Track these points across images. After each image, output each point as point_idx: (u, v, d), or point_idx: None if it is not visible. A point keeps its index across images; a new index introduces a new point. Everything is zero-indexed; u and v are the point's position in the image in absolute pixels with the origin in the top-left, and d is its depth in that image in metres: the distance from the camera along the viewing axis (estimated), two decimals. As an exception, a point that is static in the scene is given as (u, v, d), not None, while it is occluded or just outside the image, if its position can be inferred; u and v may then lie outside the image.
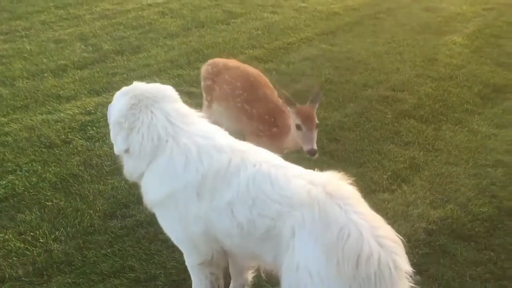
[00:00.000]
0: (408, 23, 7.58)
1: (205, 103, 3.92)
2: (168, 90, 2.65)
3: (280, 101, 3.53)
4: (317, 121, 3.21)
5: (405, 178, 4.02)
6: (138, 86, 2.64)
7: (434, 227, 3.47)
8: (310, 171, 2.36)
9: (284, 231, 2.14)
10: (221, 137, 2.52)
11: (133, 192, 3.79)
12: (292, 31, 7.21)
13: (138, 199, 3.70)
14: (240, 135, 3.65)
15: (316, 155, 3.17)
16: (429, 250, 3.28)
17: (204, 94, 3.93)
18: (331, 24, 7.59)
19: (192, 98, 5.32)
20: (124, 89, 2.66)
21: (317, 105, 3.30)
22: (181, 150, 2.41)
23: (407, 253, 3.17)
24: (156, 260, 3.18)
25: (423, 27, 7.45)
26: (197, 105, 5.14)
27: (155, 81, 5.51)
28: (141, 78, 5.69)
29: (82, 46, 6.55)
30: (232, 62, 3.93)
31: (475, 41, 6.90)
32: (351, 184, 2.26)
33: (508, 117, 4.97)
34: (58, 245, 3.26)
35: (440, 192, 3.85)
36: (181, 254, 3.19)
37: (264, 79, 3.75)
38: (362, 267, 1.99)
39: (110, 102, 5.00)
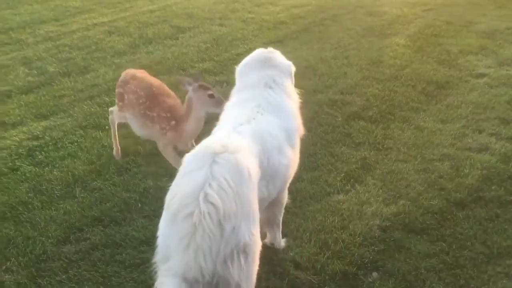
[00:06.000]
0: (353, 28, 7.79)
1: (117, 106, 4.36)
2: None
3: (176, 103, 4.03)
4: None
5: (358, 178, 4.11)
6: None
7: (388, 224, 3.56)
8: None
9: None
10: None
11: (86, 214, 3.72)
12: (240, 42, 7.28)
13: (92, 222, 3.66)
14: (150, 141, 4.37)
15: None
16: (384, 246, 3.36)
17: (116, 99, 4.37)
18: (278, 33, 7.70)
19: (144, 115, 5.28)
20: None
21: None
22: None
23: (364, 251, 3.28)
24: (114, 282, 3.11)
25: (368, 31, 7.68)
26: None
27: (104, 101, 5.52)
28: (90, 98, 5.62)
29: (26, 70, 6.39)
30: (140, 73, 4.31)
31: (417, 42, 7.15)
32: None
33: (451, 112, 5.17)
34: (9, 276, 3.15)
35: (391, 189, 3.96)
36: (139, 273, 3.17)
37: (167, 90, 4.16)
38: None
39: (58, 125, 4.98)
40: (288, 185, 3.15)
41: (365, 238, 3.42)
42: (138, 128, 4.19)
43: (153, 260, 2.38)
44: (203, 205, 2.16)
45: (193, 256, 2.14)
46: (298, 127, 3.09)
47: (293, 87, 3.25)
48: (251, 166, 2.45)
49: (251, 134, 2.68)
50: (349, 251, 3.29)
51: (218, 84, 5.98)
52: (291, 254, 3.26)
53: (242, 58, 6.65)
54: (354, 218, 3.62)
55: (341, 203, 3.79)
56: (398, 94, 5.57)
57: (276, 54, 3.29)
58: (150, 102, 4.03)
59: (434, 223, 3.59)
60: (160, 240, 2.32)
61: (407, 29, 7.73)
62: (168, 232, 2.27)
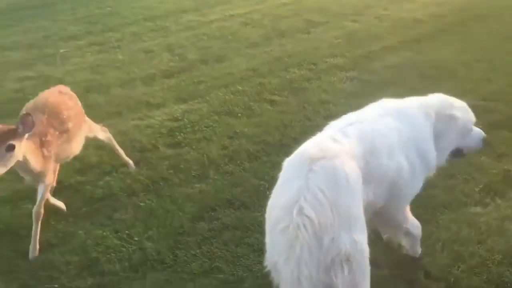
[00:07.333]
0: (499, 30, 7.20)
1: None
2: None
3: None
4: (10, 143, 3.01)
5: (499, 191, 3.80)
6: None
7: (533, 244, 3.27)
8: None
9: None
10: None
11: (219, 196, 3.92)
12: (373, 39, 7.11)
13: (224, 203, 3.85)
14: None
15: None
16: (528, 268, 3.09)
17: None
18: (415, 31, 7.39)
19: (274, 106, 5.42)
20: None
21: (23, 130, 3.08)
22: None
23: (503, 270, 3.05)
24: (243, 263, 3.25)
25: (516, 33, 7.05)
26: (280, 112, 5.26)
27: (237, 89, 5.75)
28: (225, 86, 5.89)
29: (169, 56, 6.88)
30: (50, 92, 3.90)
31: None
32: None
33: None
34: (151, 244, 3.44)
35: (539, 207, 3.62)
36: (266, 259, 3.26)
37: (50, 110, 3.59)
38: None
39: (195, 109, 5.30)
40: (404, 205, 2.94)
41: (505, 256, 3.17)
42: None
43: (264, 264, 2.44)
44: (298, 219, 2.19)
45: (296, 267, 2.18)
46: (429, 157, 2.87)
47: (455, 138, 3.03)
48: (350, 171, 2.37)
49: (358, 134, 2.59)
50: (487, 268, 3.08)
51: (349, 80, 5.93)
52: (422, 262, 3.14)
53: (375, 56, 6.62)
54: (493, 234, 3.37)
55: (478, 216, 3.55)
56: (550, 104, 5.06)
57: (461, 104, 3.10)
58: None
59: None
60: (267, 247, 2.40)
61: None
62: (271, 241, 2.35)
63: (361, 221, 2.34)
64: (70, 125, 3.68)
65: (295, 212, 2.21)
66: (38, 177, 3.41)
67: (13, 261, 3.35)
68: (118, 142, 4.69)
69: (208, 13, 8.69)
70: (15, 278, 3.23)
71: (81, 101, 5.46)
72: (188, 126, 5.01)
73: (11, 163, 3.06)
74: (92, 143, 4.69)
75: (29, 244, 3.40)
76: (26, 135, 3.12)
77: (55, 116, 3.57)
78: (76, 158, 4.34)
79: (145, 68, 6.45)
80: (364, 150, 2.53)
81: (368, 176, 2.49)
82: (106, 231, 3.56)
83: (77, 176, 4.20)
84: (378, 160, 2.59)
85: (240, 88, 5.84)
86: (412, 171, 2.76)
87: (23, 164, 3.21)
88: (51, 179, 3.57)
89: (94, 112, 5.28)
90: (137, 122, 5.10)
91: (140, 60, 6.75)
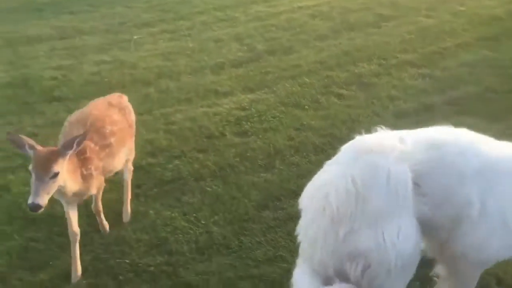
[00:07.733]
0: None
1: None
2: None
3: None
4: (55, 170, 2.76)
5: None
6: None
7: None
8: None
9: None
10: None
11: (284, 186, 3.96)
12: (448, 36, 6.86)
13: (289, 194, 3.87)
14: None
15: (40, 211, 2.72)
16: None
17: None
18: (493, 29, 7.05)
19: (342, 99, 5.37)
20: None
21: (68, 152, 2.85)
22: None
23: None
24: (307, 254, 3.27)
25: None
26: (347, 107, 5.21)
27: (304, 82, 5.74)
28: (292, 77, 5.90)
29: (238, 46, 6.95)
30: (98, 104, 3.60)
31: None
32: None
33: None
34: (217, 228, 3.53)
35: None
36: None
37: (96, 124, 3.33)
38: None
39: (262, 99, 5.35)
40: (472, 265, 2.53)
41: None
42: None
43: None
44: (322, 202, 2.21)
45: (312, 248, 2.25)
46: None
47: None
48: (395, 172, 2.21)
49: (429, 139, 2.40)
50: None
51: (420, 77, 5.77)
52: (494, 268, 3.02)
53: (449, 53, 6.39)
54: None
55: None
56: None
57: None
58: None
59: None
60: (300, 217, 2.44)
61: None
62: (301, 213, 2.39)
63: (398, 224, 2.17)
64: (112, 140, 3.37)
65: (322, 195, 2.24)
66: (75, 197, 3.18)
67: (88, 234, 3.54)
68: (187, 128, 4.86)
69: (277, 5, 8.68)
70: (90, 250, 3.42)
71: (153, 87, 5.76)
72: (255, 115, 5.07)
73: (54, 190, 2.84)
74: (162, 127, 4.89)
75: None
76: (68, 155, 2.88)
77: (96, 130, 3.29)
78: (147, 141, 4.55)
79: (214, 57, 6.57)
80: (426, 157, 2.31)
81: (422, 184, 2.26)
82: (175, 213, 3.69)
83: (148, 158, 4.36)
84: (437, 172, 2.32)
85: (307, 80, 5.83)
86: (482, 219, 2.33)
87: (60, 188, 2.93)
88: (97, 189, 3.34)
89: (165, 98, 5.51)
90: (205, 109, 5.22)
91: (209, 49, 6.87)
